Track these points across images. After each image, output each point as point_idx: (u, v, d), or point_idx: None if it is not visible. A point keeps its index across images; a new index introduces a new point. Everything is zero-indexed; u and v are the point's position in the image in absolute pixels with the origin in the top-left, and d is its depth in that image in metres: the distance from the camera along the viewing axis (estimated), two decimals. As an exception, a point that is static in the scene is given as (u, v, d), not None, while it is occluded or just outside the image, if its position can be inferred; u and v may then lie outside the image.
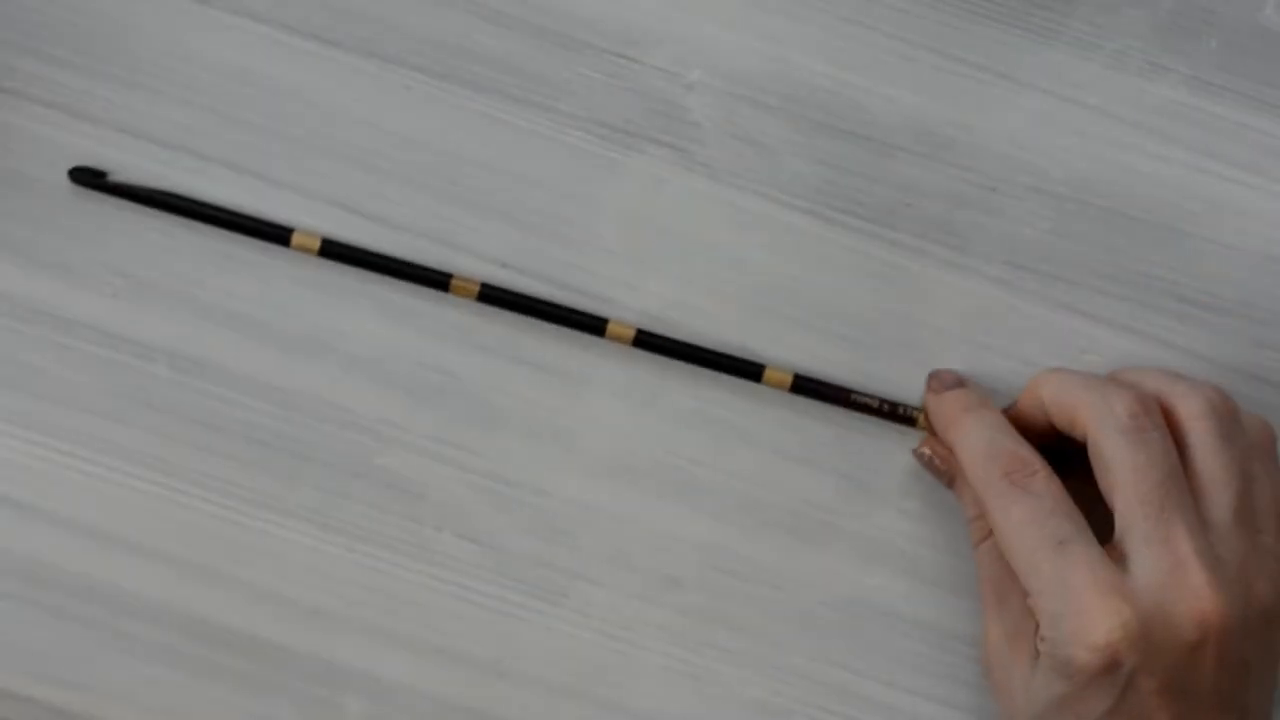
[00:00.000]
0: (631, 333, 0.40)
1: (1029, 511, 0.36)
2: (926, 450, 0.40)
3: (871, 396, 0.40)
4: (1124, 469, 0.35)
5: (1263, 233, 0.42)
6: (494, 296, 0.40)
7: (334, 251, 0.40)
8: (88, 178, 0.40)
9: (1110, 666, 0.34)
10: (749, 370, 0.40)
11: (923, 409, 0.40)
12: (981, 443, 0.37)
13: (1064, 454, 0.38)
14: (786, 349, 0.41)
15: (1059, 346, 0.41)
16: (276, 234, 0.40)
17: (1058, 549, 0.35)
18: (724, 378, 0.41)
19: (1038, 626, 0.35)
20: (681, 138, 0.42)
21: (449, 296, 0.40)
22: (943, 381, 0.40)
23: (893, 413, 0.40)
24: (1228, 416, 0.37)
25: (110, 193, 0.40)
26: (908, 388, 0.41)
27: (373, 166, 0.41)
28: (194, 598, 0.39)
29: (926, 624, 0.40)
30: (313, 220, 0.41)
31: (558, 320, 0.40)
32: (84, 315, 0.40)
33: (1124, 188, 0.42)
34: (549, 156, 0.41)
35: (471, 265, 0.41)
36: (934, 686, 0.40)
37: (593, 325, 0.40)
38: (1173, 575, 0.34)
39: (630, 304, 0.41)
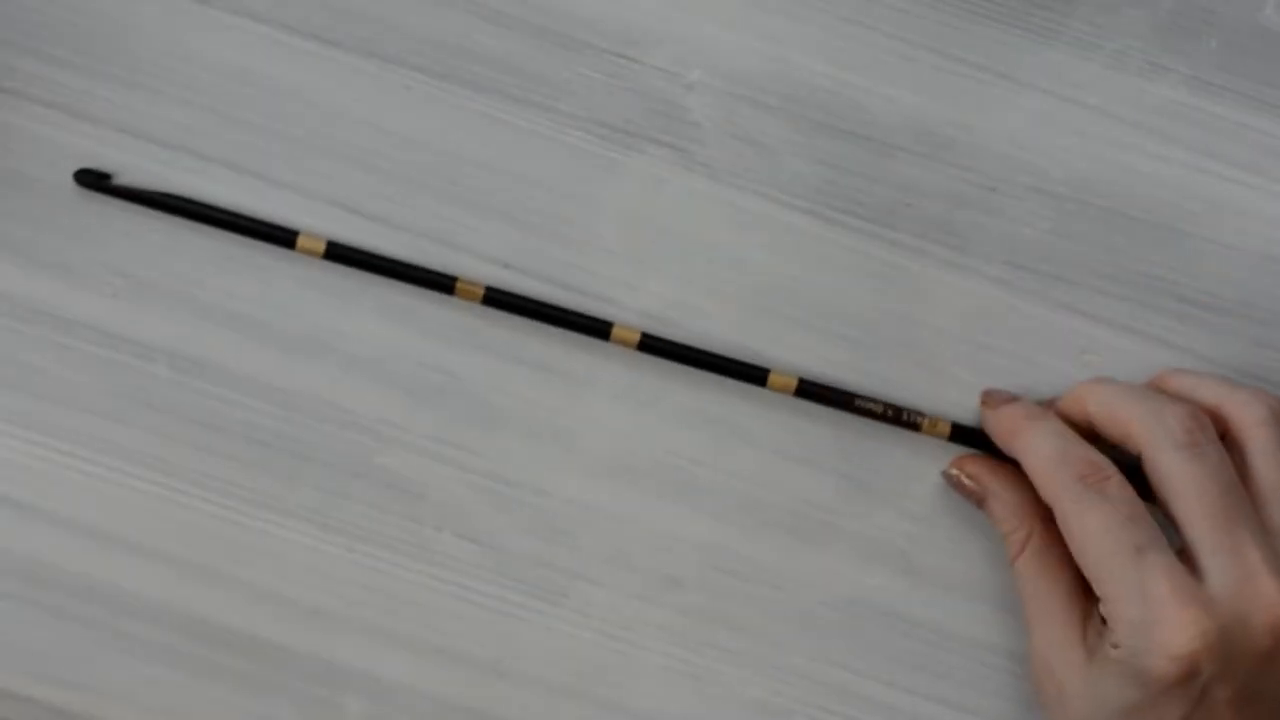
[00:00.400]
0: (637, 336, 0.40)
1: (1106, 517, 0.36)
2: (955, 471, 0.40)
3: (876, 402, 0.40)
4: (1185, 484, 0.36)
5: (1263, 233, 0.42)
6: (499, 300, 0.40)
7: (339, 254, 0.40)
8: (93, 180, 0.40)
9: (1189, 676, 0.34)
10: (754, 375, 0.40)
11: (932, 418, 0.40)
12: (1051, 448, 0.37)
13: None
14: (786, 349, 0.41)
15: (1059, 346, 0.41)
16: (282, 237, 0.40)
17: (1136, 555, 0.35)
18: (721, 379, 0.41)
19: (1106, 632, 0.35)
20: (681, 138, 0.42)
21: (449, 296, 0.40)
22: (997, 398, 0.40)
23: (897, 418, 0.40)
24: None
25: (116, 195, 0.40)
26: (908, 387, 0.41)
27: (373, 166, 0.41)
28: (194, 598, 0.39)
29: (926, 624, 0.40)
30: (313, 220, 0.41)
31: (564, 324, 0.40)
32: (84, 315, 0.40)
33: (1124, 188, 0.42)
34: (549, 156, 0.41)
35: (472, 265, 0.41)
36: (934, 686, 0.40)
37: (598, 329, 0.40)
38: (1245, 585, 0.34)
39: (630, 304, 0.41)
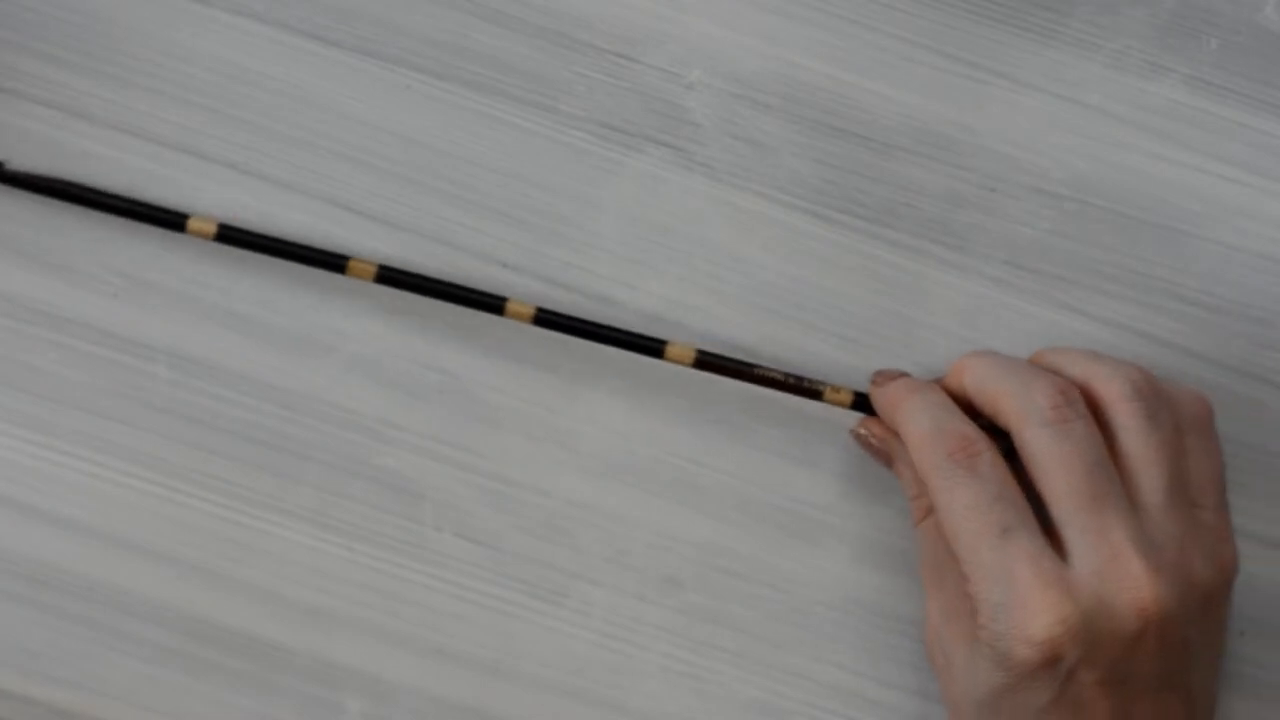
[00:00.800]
0: (531, 310, 0.39)
1: (973, 496, 0.35)
2: (863, 430, 0.39)
3: (776, 370, 0.40)
4: (1050, 462, 0.35)
5: (1263, 233, 0.42)
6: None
7: (230, 237, 0.39)
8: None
9: (1050, 661, 0.33)
10: (651, 348, 0.39)
11: (834, 386, 0.40)
12: (926, 422, 0.37)
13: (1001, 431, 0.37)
14: (786, 349, 0.41)
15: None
16: (171, 220, 0.39)
17: (1001, 537, 0.34)
18: (720, 376, 0.41)
19: (977, 612, 0.35)
20: (681, 138, 0.42)
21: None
22: (886, 375, 0.40)
23: (798, 386, 0.40)
24: (1152, 396, 0.36)
25: (8, 183, 0.39)
26: (908, 388, 0.41)
27: (373, 166, 0.41)
28: (194, 598, 0.39)
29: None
30: (313, 220, 0.41)
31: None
32: (84, 315, 0.40)
33: (1124, 188, 0.42)
34: (549, 156, 0.41)
35: (472, 265, 0.41)
36: (933, 686, 0.40)
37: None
38: (1110, 566, 0.34)
39: (630, 304, 0.41)
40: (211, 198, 0.41)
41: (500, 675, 0.40)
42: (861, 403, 0.40)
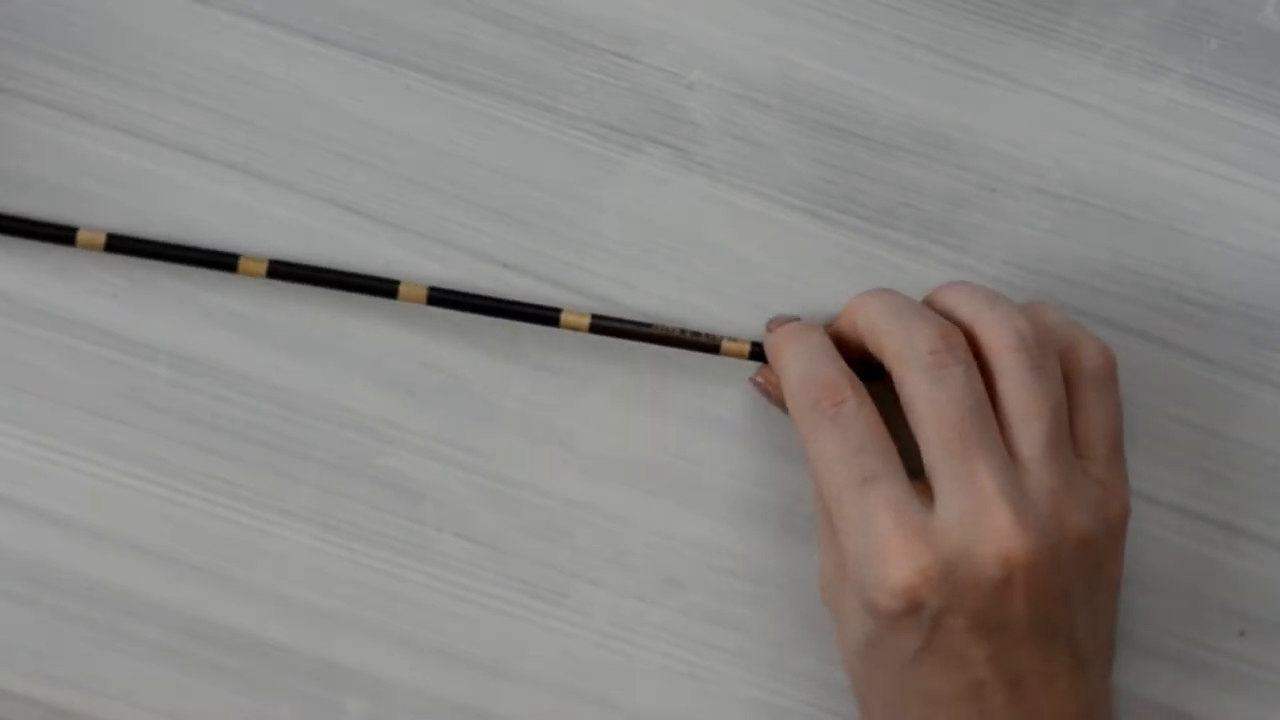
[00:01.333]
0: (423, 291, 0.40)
1: (836, 445, 0.35)
2: (759, 379, 0.40)
3: (671, 327, 0.40)
4: (924, 406, 0.35)
5: (1263, 233, 0.42)
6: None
7: (119, 247, 0.39)
8: None
9: (911, 609, 0.33)
10: (546, 316, 0.39)
11: (731, 338, 0.40)
12: (798, 370, 0.37)
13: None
14: (786, 349, 0.41)
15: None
16: (63, 235, 0.39)
17: (862, 486, 0.34)
18: (720, 376, 0.41)
19: (845, 563, 0.35)
20: (681, 138, 0.42)
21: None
22: (778, 321, 0.40)
23: (695, 342, 0.39)
24: (1037, 346, 0.36)
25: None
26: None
27: (373, 166, 0.41)
28: (194, 598, 0.39)
29: (926, 624, 0.40)
30: (313, 220, 0.41)
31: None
32: (84, 315, 0.40)
33: (1124, 188, 0.42)
34: (549, 156, 0.42)
35: (472, 265, 0.41)
36: (934, 686, 0.40)
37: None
38: (976, 515, 0.34)
39: (630, 304, 0.41)
40: (211, 198, 0.41)
41: (500, 675, 0.40)
42: (759, 353, 0.40)
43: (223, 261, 0.40)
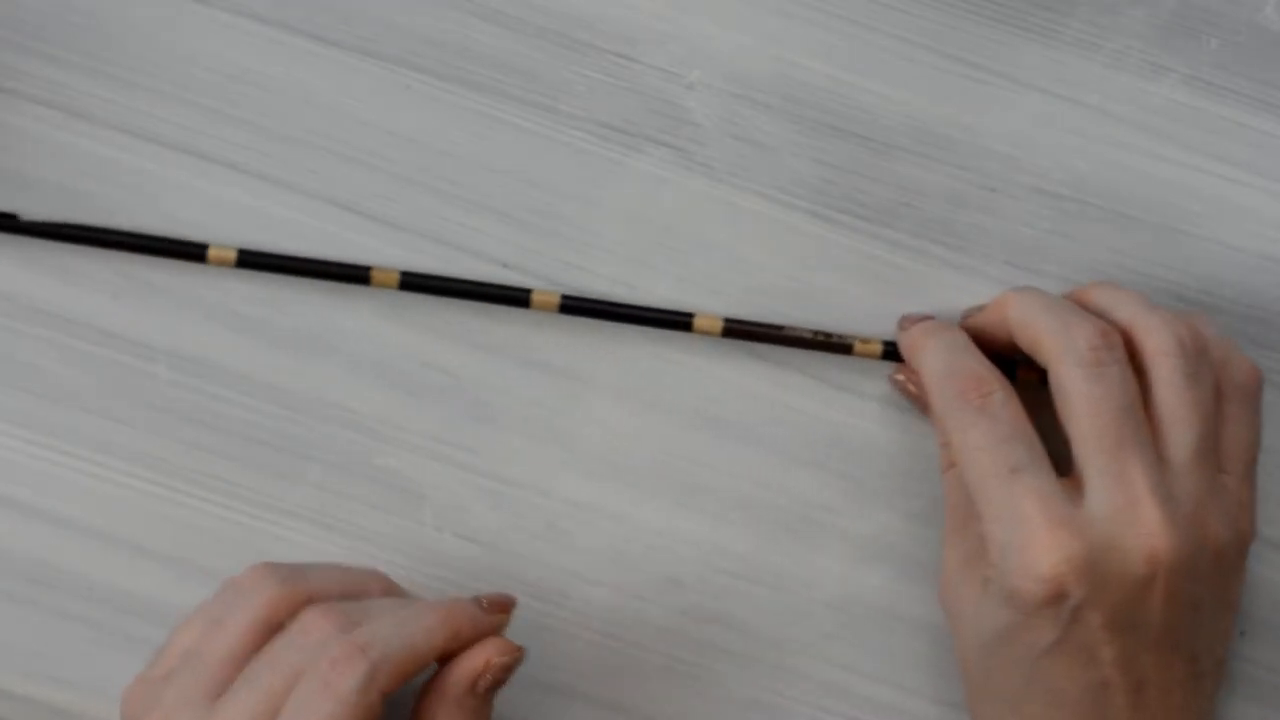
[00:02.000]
0: (556, 299, 0.40)
1: (984, 435, 0.35)
2: (900, 376, 0.40)
3: (804, 330, 0.40)
4: (1080, 402, 0.35)
5: (1263, 233, 0.42)
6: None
7: (251, 262, 0.40)
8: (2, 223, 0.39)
9: (1055, 598, 0.33)
10: (678, 322, 0.40)
11: (864, 338, 0.40)
12: (940, 363, 0.37)
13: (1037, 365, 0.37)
14: (785, 348, 0.41)
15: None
16: (192, 252, 0.39)
17: (1010, 476, 0.35)
18: (721, 377, 0.41)
19: (987, 551, 0.35)
20: (681, 138, 0.42)
21: (449, 296, 0.40)
22: (910, 319, 0.40)
23: (827, 343, 0.40)
24: (1195, 355, 0.36)
25: (27, 234, 0.39)
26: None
27: (373, 166, 0.41)
28: (194, 598, 0.39)
29: (926, 624, 0.40)
30: (313, 220, 0.41)
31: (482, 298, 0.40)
32: (84, 315, 0.40)
33: (1124, 188, 0.42)
34: (549, 156, 0.42)
35: (471, 265, 0.41)
36: (934, 686, 0.40)
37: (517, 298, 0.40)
38: (1125, 511, 0.34)
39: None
40: (211, 198, 0.41)
41: (500, 675, 0.40)
42: (892, 352, 0.40)
43: (354, 274, 0.40)
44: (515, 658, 0.34)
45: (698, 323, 0.40)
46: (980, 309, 0.40)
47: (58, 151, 0.41)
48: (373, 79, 0.42)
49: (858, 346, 0.40)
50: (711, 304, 0.41)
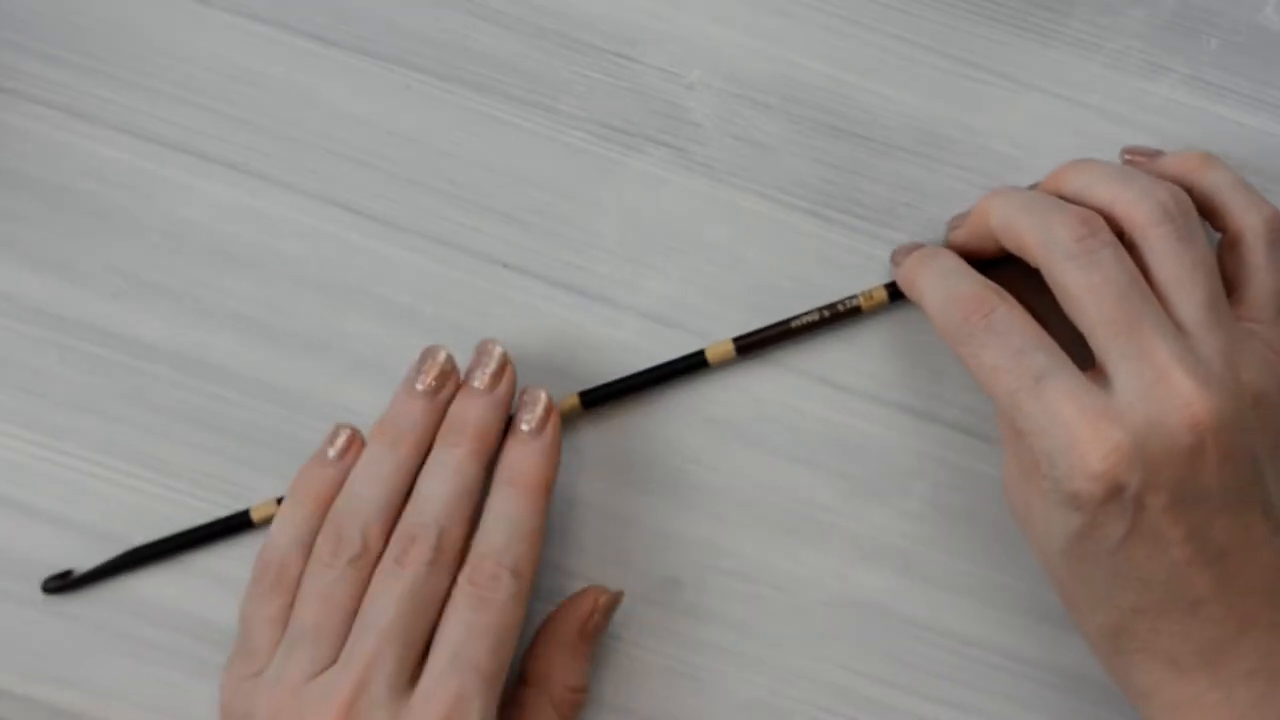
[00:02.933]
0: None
1: (997, 352, 0.35)
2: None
3: (810, 313, 0.40)
4: (1081, 294, 0.35)
5: (1263, 233, 0.42)
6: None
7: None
8: (58, 584, 0.39)
9: (1114, 491, 0.33)
10: (694, 363, 0.40)
11: (866, 292, 0.40)
12: (938, 292, 0.37)
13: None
14: (786, 348, 0.41)
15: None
16: (239, 524, 0.39)
17: (1036, 386, 0.34)
18: (720, 378, 0.41)
19: (1037, 463, 0.35)
20: (681, 138, 0.42)
21: (448, 296, 0.40)
22: (903, 251, 0.40)
23: (835, 314, 0.40)
24: (1182, 216, 0.36)
25: (82, 585, 0.39)
26: (909, 387, 0.41)
27: (373, 166, 0.41)
28: (193, 597, 0.39)
29: (926, 624, 0.40)
30: (313, 220, 0.41)
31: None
32: (84, 315, 0.40)
33: (1124, 188, 0.42)
34: (549, 156, 0.42)
35: (472, 265, 0.41)
36: (934, 686, 0.40)
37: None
38: (1156, 387, 0.34)
39: (630, 304, 0.41)
40: (211, 198, 0.41)
41: (500, 675, 0.40)
42: (897, 292, 0.40)
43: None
44: (616, 598, 0.39)
45: (710, 354, 0.40)
46: (965, 217, 0.39)
47: (58, 151, 0.41)
48: (373, 79, 0.42)
49: (864, 303, 0.40)
50: (711, 304, 0.41)
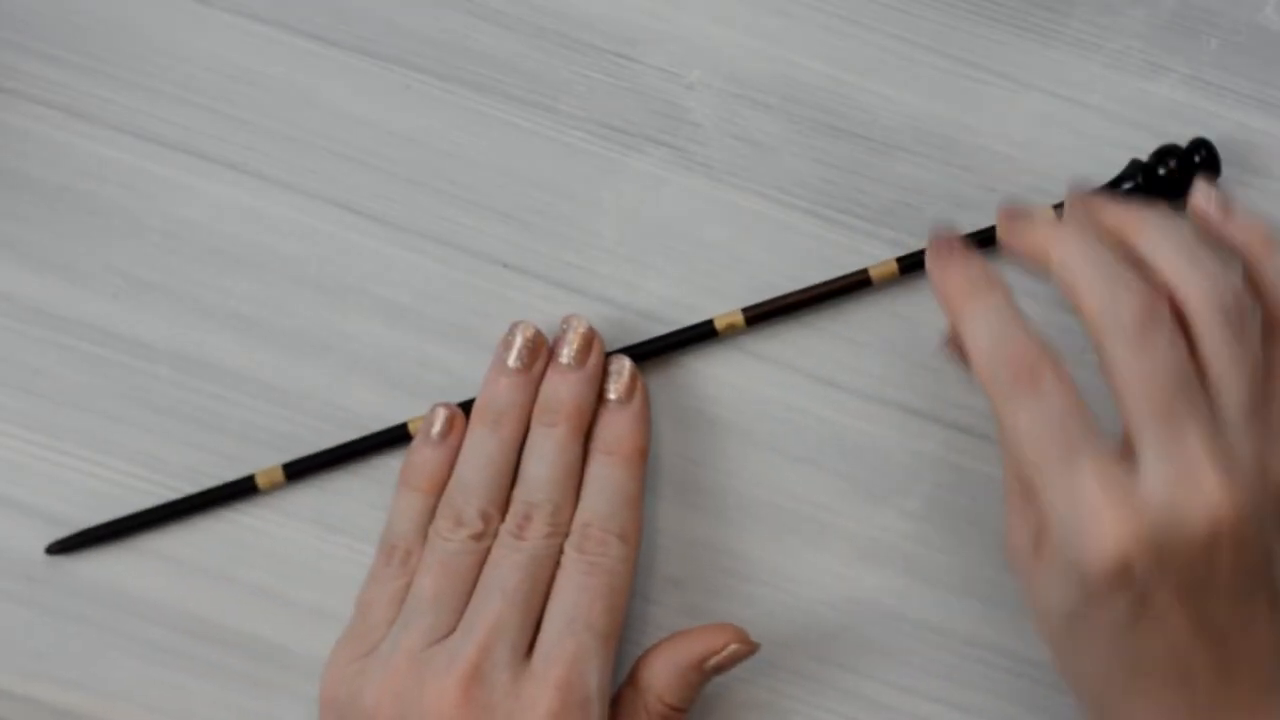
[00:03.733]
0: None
1: (1036, 417, 0.34)
2: (951, 349, 0.38)
3: (815, 286, 0.40)
4: (1129, 376, 0.34)
5: (1263, 233, 0.42)
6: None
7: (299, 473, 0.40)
8: (63, 547, 0.39)
9: (1121, 577, 0.33)
10: (703, 331, 0.40)
11: (876, 265, 0.40)
12: (986, 338, 0.35)
13: None
14: (786, 347, 0.41)
15: (1061, 346, 0.41)
16: (244, 487, 0.39)
17: (1066, 457, 0.34)
18: (720, 377, 0.41)
19: (1050, 532, 0.35)
20: (681, 138, 0.42)
21: (448, 296, 0.40)
22: (943, 243, 0.37)
23: (845, 286, 0.40)
24: (1239, 314, 0.35)
25: (90, 544, 0.39)
26: (909, 387, 0.41)
27: (373, 166, 0.41)
28: (194, 598, 0.39)
29: (926, 624, 0.40)
30: (313, 220, 0.41)
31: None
32: (84, 315, 0.40)
33: (1124, 188, 0.42)
34: (549, 156, 0.42)
35: (472, 265, 0.41)
36: (934, 686, 0.40)
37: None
38: (1184, 480, 0.33)
39: (630, 304, 0.41)
40: (211, 198, 0.41)
41: (500, 675, 0.40)
42: (909, 265, 0.40)
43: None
44: (750, 650, 0.38)
45: (719, 323, 0.40)
46: (1023, 214, 0.37)
47: (58, 151, 0.41)
48: (373, 79, 0.42)
49: (873, 274, 0.40)
50: (711, 304, 0.41)
